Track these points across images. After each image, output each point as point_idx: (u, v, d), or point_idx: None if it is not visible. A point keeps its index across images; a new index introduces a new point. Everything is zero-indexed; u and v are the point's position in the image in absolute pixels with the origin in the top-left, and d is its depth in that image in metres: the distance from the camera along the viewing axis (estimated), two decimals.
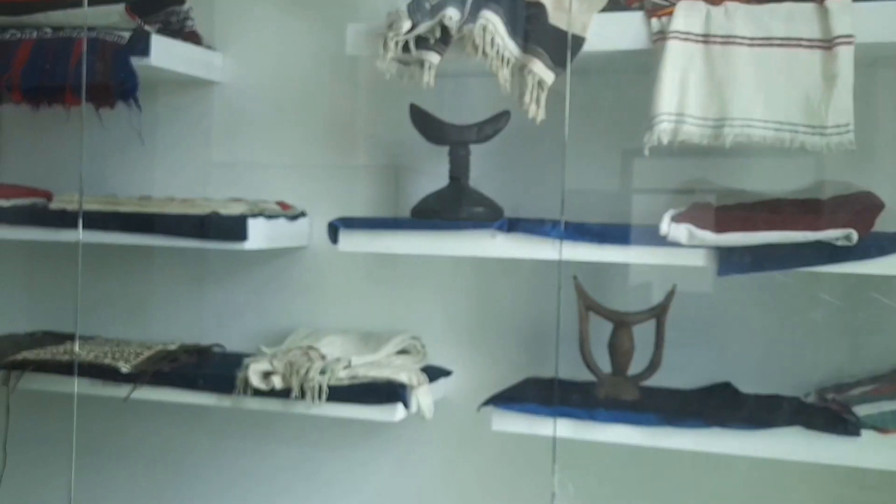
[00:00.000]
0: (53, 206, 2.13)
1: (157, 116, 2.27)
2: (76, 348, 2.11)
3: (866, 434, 1.59)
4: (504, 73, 1.73)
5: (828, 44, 1.57)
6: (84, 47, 1.99)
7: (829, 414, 1.67)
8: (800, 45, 1.60)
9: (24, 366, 2.07)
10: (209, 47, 2.23)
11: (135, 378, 2.00)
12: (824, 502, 1.85)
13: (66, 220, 2.07)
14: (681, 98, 1.63)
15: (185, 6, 2.18)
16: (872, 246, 1.57)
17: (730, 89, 1.61)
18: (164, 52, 2.05)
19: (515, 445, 1.91)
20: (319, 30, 2.15)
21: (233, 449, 2.27)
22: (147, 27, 2.04)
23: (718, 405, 1.78)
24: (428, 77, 1.78)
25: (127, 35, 2.01)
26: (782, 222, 1.63)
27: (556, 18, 1.74)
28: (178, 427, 2.29)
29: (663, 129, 1.62)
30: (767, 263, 1.63)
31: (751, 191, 1.83)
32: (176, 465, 2.32)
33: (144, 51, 1.99)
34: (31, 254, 2.40)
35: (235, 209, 2.00)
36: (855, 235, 1.55)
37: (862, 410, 1.62)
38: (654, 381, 1.82)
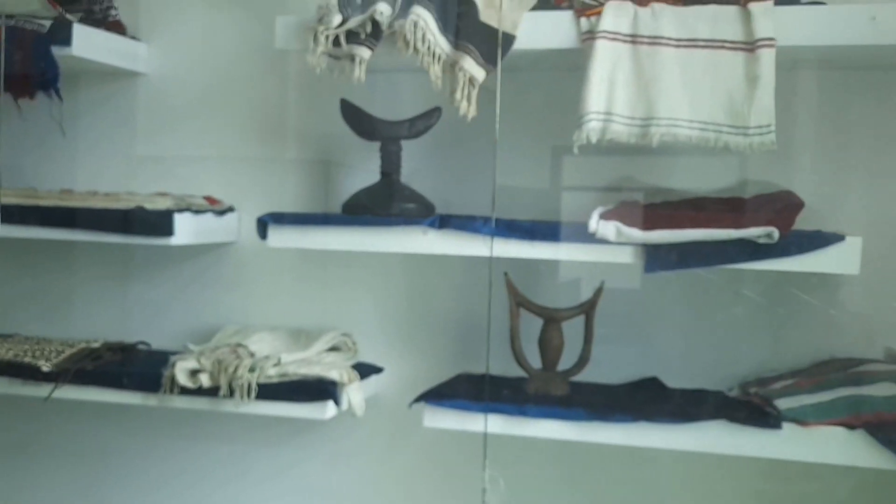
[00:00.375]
0: None
1: (80, 108, 2.23)
2: None
3: (787, 427, 1.64)
4: (435, 70, 1.74)
5: (750, 46, 1.61)
6: (2, 35, 1.94)
7: (752, 407, 1.71)
8: (723, 47, 1.63)
9: None
10: (133, 37, 2.19)
11: (56, 377, 1.96)
12: (748, 494, 1.89)
13: None
14: (609, 97, 1.65)
15: None
16: (792, 244, 1.61)
17: (656, 89, 1.64)
18: (86, 42, 2.01)
19: (447, 442, 1.92)
20: (248, 22, 2.13)
21: (160, 448, 2.24)
22: (68, 16, 2.01)
23: (645, 400, 1.81)
24: (359, 72, 1.77)
25: (47, 24, 1.97)
26: (707, 220, 1.66)
27: (486, 16, 1.75)
28: (102, 427, 2.26)
29: (592, 127, 1.64)
30: (692, 261, 1.66)
31: (677, 189, 1.86)
32: (101, 465, 2.28)
33: (66, 40, 1.95)
34: None
35: (161, 204, 1.98)
36: (776, 233, 1.59)
37: (783, 404, 1.66)
38: (583, 376, 1.84)
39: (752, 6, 1.62)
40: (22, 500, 2.30)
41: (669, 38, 1.65)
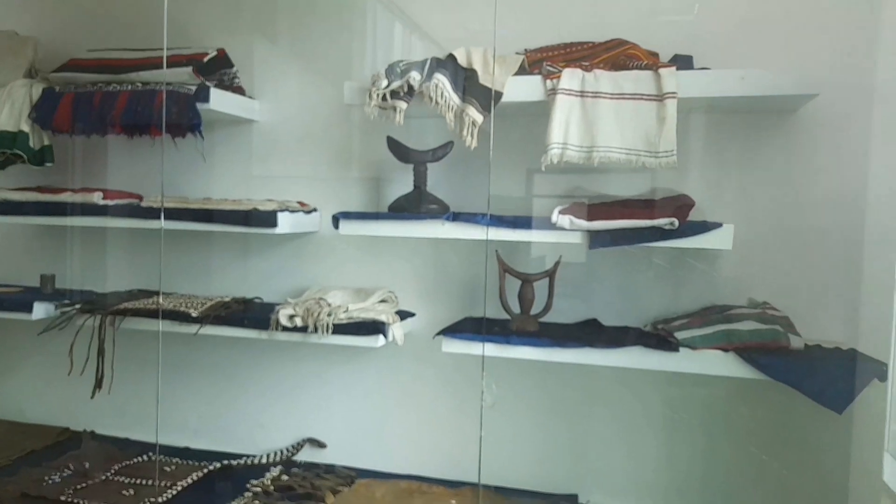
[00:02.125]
0: (144, 204, 2.07)
1: (215, 144, 2.21)
2: (160, 300, 2.07)
3: (683, 351, 1.64)
4: (449, 116, 1.74)
5: (660, 98, 1.60)
6: (164, 97, 1.95)
7: (660, 338, 1.71)
8: (642, 98, 1.62)
9: (124, 312, 2.03)
10: (250, 97, 2.18)
11: (201, 320, 1.97)
12: (656, 396, 1.89)
13: (153, 214, 2.03)
14: (565, 132, 1.64)
15: (234, 68, 2.13)
16: (687, 229, 1.61)
17: (597, 127, 1.63)
18: (219, 100, 2.01)
19: (457, 361, 1.90)
20: (325, 84, 2.11)
21: (269, 367, 2.24)
22: (207, 83, 2.01)
23: (589, 333, 1.80)
24: (399, 118, 1.77)
25: (193, 88, 1.97)
26: (630, 214, 1.66)
27: (484, 79, 1.74)
28: (231, 353, 2.25)
29: (554, 153, 1.63)
30: (622, 240, 1.65)
31: (610, 194, 1.85)
32: (231, 378, 2.28)
33: (206, 99, 1.96)
34: (128, 238, 2.34)
35: (269, 206, 1.98)
36: (676, 222, 1.59)
37: (680, 335, 1.66)
38: (548, 318, 1.83)
39: (661, 71, 1.61)
40: (180, 401, 2.30)
41: (606, 93, 1.64)
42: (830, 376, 1.51)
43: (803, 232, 1.75)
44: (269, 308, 1.98)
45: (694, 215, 1.66)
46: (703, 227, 1.61)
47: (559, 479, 1.97)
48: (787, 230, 1.76)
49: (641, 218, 1.63)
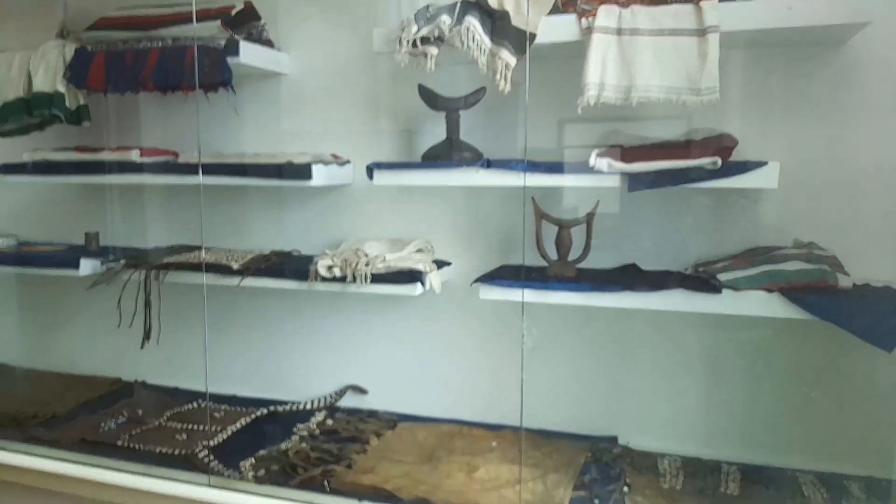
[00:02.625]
0: (181, 160, 2.11)
1: (245, 99, 2.21)
2: (203, 254, 2.12)
3: (726, 292, 1.61)
4: (482, 60, 1.70)
5: (701, 32, 1.54)
6: (195, 52, 1.95)
7: (701, 280, 1.69)
8: (682, 34, 1.56)
9: (168, 267, 2.09)
10: (279, 50, 2.17)
11: (243, 272, 2.01)
12: (697, 339, 1.88)
13: (189, 170, 2.05)
14: (602, 72, 1.60)
15: (261, 21, 2.11)
16: (730, 169, 1.56)
17: (635, 66, 1.58)
18: (249, 54, 2.00)
19: (494, 309, 1.92)
20: (354, 34, 2.08)
21: (309, 317, 2.28)
22: (236, 37, 1.99)
23: (628, 278, 1.79)
24: (430, 64, 1.75)
25: (223, 42, 1.96)
26: (671, 155, 1.62)
27: (516, 21, 1.69)
28: (272, 304, 2.30)
29: (590, 94, 1.60)
30: (662, 182, 1.61)
31: (649, 136, 1.80)
32: (273, 329, 2.33)
33: (236, 53, 1.95)
34: (165, 194, 2.38)
35: (303, 159, 1.98)
36: (719, 161, 1.55)
37: (723, 277, 1.63)
38: (585, 264, 1.82)
39: (702, 3, 1.55)
40: (225, 351, 2.36)
41: (644, 30, 1.59)
42: (880, 314, 1.48)
43: (851, 169, 1.70)
44: (308, 260, 2.00)
45: (737, 155, 1.61)
46: (747, 166, 1.56)
47: (598, 421, 2.00)
48: (834, 168, 1.71)
49: (682, 158, 1.59)
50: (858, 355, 1.60)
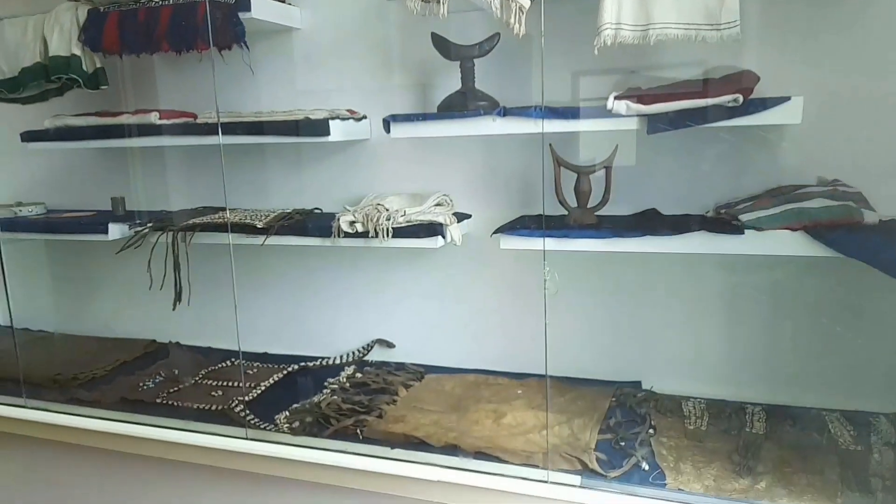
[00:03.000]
0: (199, 120, 2.12)
1: (259, 55, 2.20)
2: (227, 214, 2.15)
3: (749, 233, 1.60)
4: (495, 3, 1.66)
5: None
6: (207, 7, 1.93)
7: (723, 222, 1.68)
8: None
9: (194, 228, 2.12)
10: (290, 3, 2.14)
11: (267, 230, 2.03)
12: (720, 281, 1.87)
13: (208, 130, 2.07)
14: (618, 11, 1.56)
15: None
16: (752, 105, 1.54)
17: (652, 2, 1.54)
18: (260, 8, 1.98)
19: (515, 258, 1.93)
20: None
21: (335, 273, 2.31)
22: None
23: (649, 222, 1.78)
24: (443, 9, 1.72)
25: None
26: (690, 95, 1.59)
27: None
28: (297, 261, 2.34)
29: (607, 34, 1.56)
30: (682, 122, 1.59)
31: (668, 77, 1.76)
32: (300, 286, 2.37)
33: (247, 7, 1.94)
34: (185, 156, 2.40)
35: (320, 115, 1.99)
36: (741, 98, 1.52)
37: (745, 218, 1.62)
38: (606, 210, 1.81)
39: None
40: (255, 310, 2.42)
41: None
42: None
43: (876, 102, 1.65)
44: (330, 217, 2.03)
45: (758, 92, 1.57)
46: (770, 101, 1.53)
47: (622, 366, 2.02)
48: (858, 102, 1.66)
49: (702, 97, 1.56)
50: (885, 291, 1.58)
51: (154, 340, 2.57)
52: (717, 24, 1.50)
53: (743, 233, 1.60)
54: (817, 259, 1.56)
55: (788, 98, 1.52)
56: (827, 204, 1.56)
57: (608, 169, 1.79)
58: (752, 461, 1.59)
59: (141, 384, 2.21)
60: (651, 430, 1.75)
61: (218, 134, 2.02)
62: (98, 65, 2.15)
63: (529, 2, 1.65)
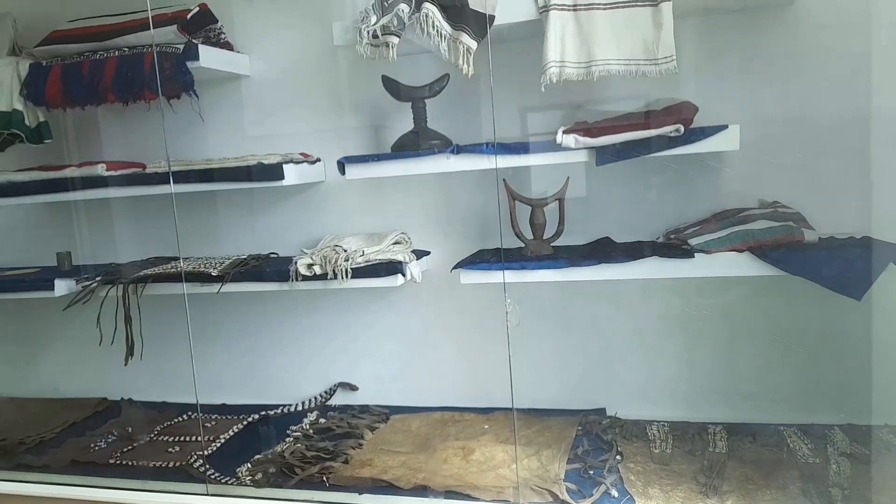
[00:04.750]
0: (149, 170, 2.10)
1: (208, 105, 2.19)
2: (181, 263, 2.11)
3: (698, 256, 1.65)
4: (443, 46, 1.72)
5: (655, 2, 1.58)
6: (154, 58, 1.93)
7: (674, 246, 1.73)
8: (637, 5, 1.60)
9: (146, 279, 2.07)
10: (238, 52, 2.16)
11: (222, 278, 2.00)
12: (675, 304, 1.92)
13: (157, 179, 2.04)
14: (562, 50, 1.63)
15: (218, 24, 2.10)
16: (693, 134, 1.61)
17: (593, 40, 1.61)
18: (209, 57, 1.99)
19: (476, 292, 1.95)
20: (313, 29, 2.08)
21: (294, 318, 2.29)
22: (194, 41, 1.98)
23: (603, 250, 1.82)
24: (392, 54, 1.75)
25: (181, 47, 1.95)
26: (635, 126, 1.65)
27: (474, 4, 1.71)
28: (255, 309, 2.31)
29: (552, 72, 1.62)
30: (627, 153, 1.65)
31: (612, 110, 1.83)
32: (258, 333, 2.34)
33: (195, 56, 1.94)
34: (133, 208, 2.36)
35: (273, 159, 1.99)
36: (682, 128, 1.59)
37: (694, 242, 1.67)
38: (561, 241, 1.85)
39: None
40: (211, 361, 2.37)
41: (599, 3, 1.62)
42: (846, 264, 1.54)
43: (809, 126, 1.75)
44: (287, 261, 2.01)
45: (698, 122, 1.65)
46: (709, 130, 1.60)
47: (586, 394, 2.04)
48: (792, 126, 1.76)
49: (646, 128, 1.63)
50: (828, 306, 1.65)
51: (105, 398, 2.48)
52: (654, 59, 1.58)
53: (693, 256, 1.65)
54: (764, 278, 1.62)
55: (726, 126, 1.59)
56: (769, 225, 1.63)
57: (561, 200, 1.83)
58: (718, 480, 1.61)
59: (93, 445, 2.12)
60: (619, 457, 1.76)
61: (169, 183, 2.00)
62: (41, 119, 2.12)
63: (476, 43, 1.71)
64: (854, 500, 1.50)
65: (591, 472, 1.70)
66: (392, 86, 1.91)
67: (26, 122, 2.07)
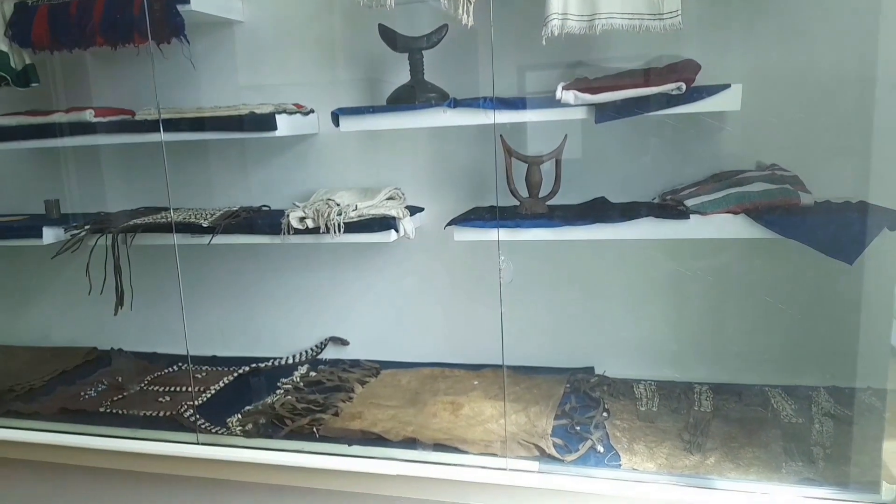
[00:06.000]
0: (138, 118, 2.04)
1: (199, 51, 2.13)
2: (171, 213, 2.07)
3: (693, 217, 1.64)
4: None
5: None
6: (144, 0, 1.87)
7: (670, 207, 1.72)
8: None
9: (135, 228, 2.04)
10: None
11: (213, 229, 1.98)
12: (668, 266, 1.91)
13: (147, 127, 2.00)
14: (564, 2, 1.59)
15: None
16: (694, 93, 1.58)
17: None
18: (200, 0, 1.93)
19: (469, 249, 1.96)
20: None
21: (285, 271, 2.27)
22: None
23: (598, 210, 1.81)
24: (390, 0, 1.70)
25: None
26: (636, 83, 1.63)
27: None
28: (246, 261, 2.29)
29: (554, 24, 1.59)
30: (627, 111, 1.62)
31: (613, 67, 1.80)
32: (247, 283, 2.32)
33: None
34: (123, 155, 2.30)
35: (266, 109, 1.94)
36: (684, 86, 1.56)
37: (690, 203, 1.66)
38: (556, 200, 1.84)
39: None
40: (202, 312, 2.35)
41: None
42: (840, 228, 1.54)
43: (811, 87, 1.72)
44: (279, 214, 1.99)
45: (700, 80, 1.62)
46: (711, 88, 1.58)
47: (575, 353, 2.06)
48: (794, 88, 1.73)
49: (647, 86, 1.60)
50: (821, 270, 1.65)
51: (95, 348, 2.47)
52: (659, 13, 1.55)
53: (688, 217, 1.64)
54: (758, 241, 1.62)
55: (728, 85, 1.57)
56: (766, 187, 1.62)
57: (558, 158, 1.81)
58: (701, 438, 1.64)
59: (83, 393, 2.12)
60: (605, 414, 1.78)
61: (159, 131, 1.95)
62: (27, 61, 2.05)
63: None
64: (835, 458, 1.53)
65: (578, 427, 1.73)
66: (389, 35, 1.86)
67: (12, 65, 2.01)
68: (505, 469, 1.61)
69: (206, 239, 1.98)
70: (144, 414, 1.96)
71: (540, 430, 1.71)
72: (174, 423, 1.91)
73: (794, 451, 1.57)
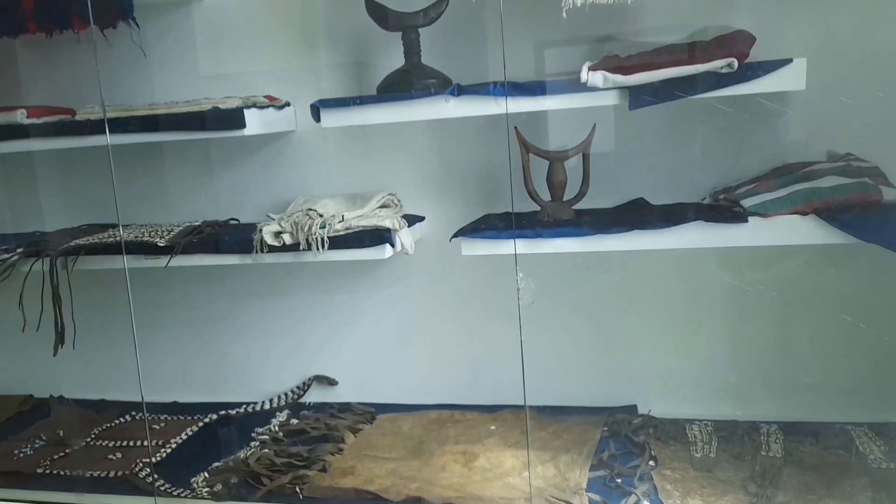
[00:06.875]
0: (79, 117, 2.06)
1: (152, 37, 2.14)
2: (121, 231, 2.08)
3: (752, 220, 1.63)
4: None
5: None
6: None
7: (723, 209, 1.71)
8: None
9: (78, 250, 2.05)
10: None
11: (171, 249, 1.98)
12: (722, 279, 1.91)
13: (90, 128, 2.00)
14: None
15: None
16: (748, 70, 1.57)
17: None
18: None
19: (480, 265, 1.94)
20: None
21: (259, 298, 2.28)
22: None
23: (636, 215, 1.80)
24: None
25: None
26: (677, 61, 1.62)
27: None
28: (211, 286, 2.29)
29: None
30: (668, 94, 1.61)
31: (649, 41, 1.80)
32: (214, 312, 2.33)
33: None
34: (62, 163, 2.32)
35: (232, 104, 1.95)
36: (735, 63, 1.55)
37: (748, 203, 1.66)
38: (584, 203, 1.83)
39: None
40: (158, 351, 2.35)
41: None
42: None
43: (890, 62, 1.71)
44: (250, 228, 1.99)
45: (755, 55, 1.61)
46: (769, 65, 1.57)
47: (613, 389, 2.05)
48: (870, 62, 1.73)
49: (692, 63, 1.59)
50: None
51: (31, 396, 2.48)
52: None
53: (746, 220, 1.63)
54: (831, 246, 1.60)
55: (790, 60, 1.56)
56: (840, 182, 1.61)
57: (585, 153, 1.80)
58: (771, 490, 1.62)
59: (16, 451, 2.12)
60: (652, 462, 1.77)
61: (104, 132, 1.95)
62: None
63: None
64: None
65: (619, 480, 1.71)
66: (378, 11, 1.87)
67: None
68: None
69: (163, 261, 1.98)
70: (91, 474, 1.96)
71: (573, 483, 1.70)
72: (128, 485, 1.91)
73: (886, 502, 1.54)
